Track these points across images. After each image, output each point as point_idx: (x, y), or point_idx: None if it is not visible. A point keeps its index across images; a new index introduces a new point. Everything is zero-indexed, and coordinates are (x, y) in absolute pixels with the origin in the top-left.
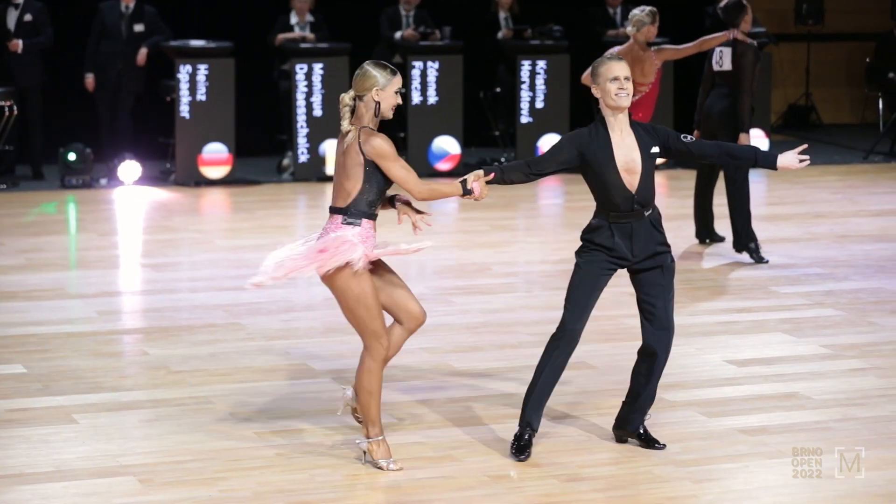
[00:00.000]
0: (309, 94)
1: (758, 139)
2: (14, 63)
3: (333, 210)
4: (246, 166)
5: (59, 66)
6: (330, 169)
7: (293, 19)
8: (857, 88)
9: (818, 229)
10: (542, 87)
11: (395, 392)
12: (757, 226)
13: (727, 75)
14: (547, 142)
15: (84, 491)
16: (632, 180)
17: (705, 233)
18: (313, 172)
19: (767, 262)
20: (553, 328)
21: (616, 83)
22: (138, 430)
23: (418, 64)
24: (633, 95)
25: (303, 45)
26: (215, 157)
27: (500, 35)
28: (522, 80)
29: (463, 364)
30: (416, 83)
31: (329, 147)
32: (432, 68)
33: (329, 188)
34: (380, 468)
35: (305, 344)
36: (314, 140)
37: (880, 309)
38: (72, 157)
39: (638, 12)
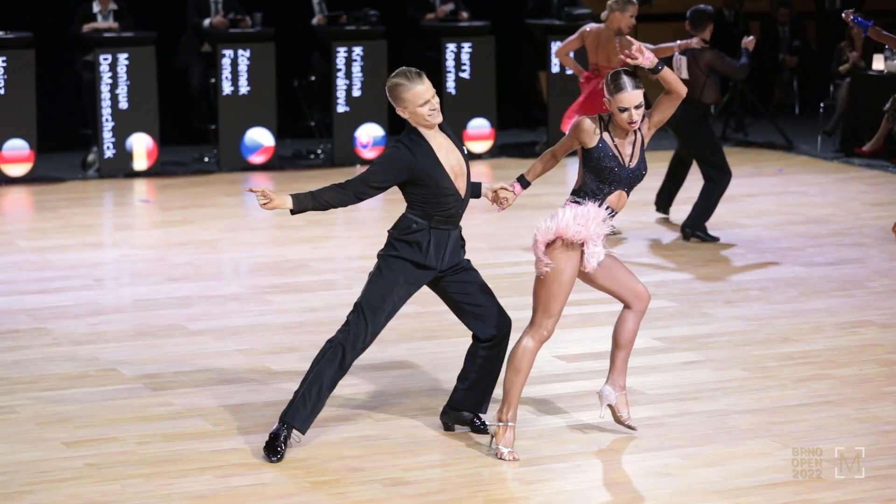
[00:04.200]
0: (114, 86)
1: None
2: None
3: None
4: (49, 163)
5: None
6: (138, 164)
7: (96, 8)
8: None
9: (647, 218)
10: (359, 74)
11: (209, 396)
12: None
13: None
14: (365, 132)
15: None
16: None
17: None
18: (120, 168)
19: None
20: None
21: (427, 105)
22: None
23: (228, 52)
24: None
25: (106, 35)
26: (16, 154)
27: (314, 21)
28: (338, 67)
29: (280, 366)
30: (226, 72)
31: (136, 141)
32: (243, 56)
33: (136, 184)
34: (500, 457)
35: (114, 348)
36: (120, 134)
37: (713, 299)
38: None
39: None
